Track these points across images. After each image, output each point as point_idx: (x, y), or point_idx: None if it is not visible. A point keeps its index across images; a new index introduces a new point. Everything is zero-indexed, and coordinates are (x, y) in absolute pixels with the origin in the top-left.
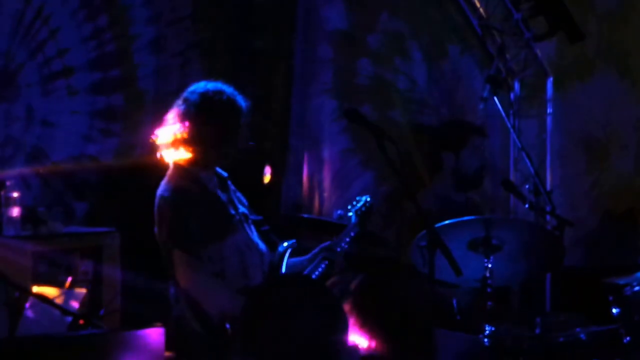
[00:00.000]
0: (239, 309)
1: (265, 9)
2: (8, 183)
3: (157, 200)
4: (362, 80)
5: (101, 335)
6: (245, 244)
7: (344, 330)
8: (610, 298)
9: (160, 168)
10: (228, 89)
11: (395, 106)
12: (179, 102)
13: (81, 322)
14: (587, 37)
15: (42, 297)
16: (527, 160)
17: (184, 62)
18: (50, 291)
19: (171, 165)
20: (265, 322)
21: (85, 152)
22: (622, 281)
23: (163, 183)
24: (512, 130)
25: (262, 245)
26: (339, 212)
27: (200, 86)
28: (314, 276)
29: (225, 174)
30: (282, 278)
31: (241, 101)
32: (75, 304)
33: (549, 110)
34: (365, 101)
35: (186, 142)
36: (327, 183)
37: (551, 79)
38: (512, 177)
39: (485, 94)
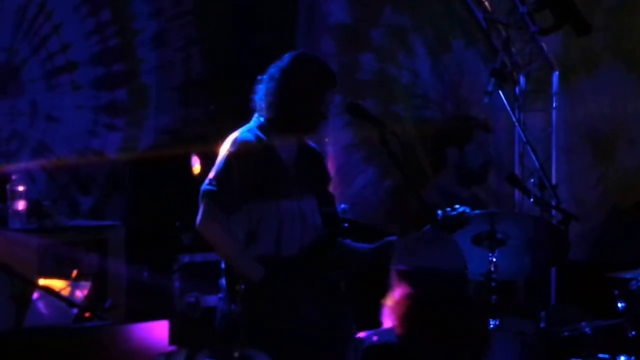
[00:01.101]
0: (251, 271)
1: (268, 3)
2: (13, 177)
3: (223, 147)
4: (365, 75)
5: (106, 327)
6: (289, 213)
7: (350, 319)
8: (616, 292)
9: (164, 162)
10: (313, 57)
11: (399, 101)
12: (273, 68)
13: (87, 314)
14: (594, 31)
15: (47, 290)
16: (532, 155)
17: (186, 57)
18: (55, 284)
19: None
20: (270, 310)
21: (90, 146)
22: (627, 275)
23: (235, 133)
24: (517, 124)
25: (314, 219)
26: (342, 206)
27: (300, 53)
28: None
29: (316, 146)
30: (289, 263)
31: (323, 68)
32: (80, 297)
33: (555, 104)
34: (369, 96)
35: (267, 104)
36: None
37: (557, 72)
38: (518, 171)
39: (490, 88)
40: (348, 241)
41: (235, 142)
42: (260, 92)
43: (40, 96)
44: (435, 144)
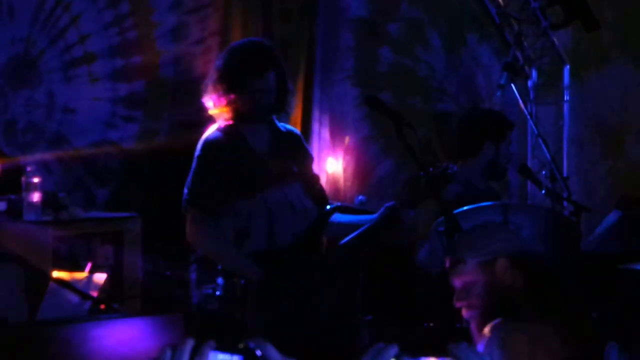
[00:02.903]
0: (248, 272)
1: None
2: (28, 168)
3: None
4: (382, 68)
5: (121, 320)
6: (277, 203)
7: (356, 307)
8: (626, 284)
9: (181, 153)
10: (253, 39)
11: (416, 93)
12: (218, 61)
13: (102, 307)
14: (603, 26)
15: (62, 282)
16: (544, 147)
17: (205, 50)
18: (70, 276)
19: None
20: (277, 299)
21: (107, 138)
22: (638, 267)
23: (203, 135)
24: (529, 117)
25: (302, 203)
26: (360, 197)
27: (233, 43)
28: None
29: (290, 128)
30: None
31: (264, 45)
32: (95, 289)
33: (566, 98)
34: (386, 88)
35: (226, 96)
36: (349, 170)
37: (568, 67)
38: (530, 163)
39: (502, 82)
40: (347, 216)
41: (202, 144)
42: (209, 88)
43: (57, 87)
44: (470, 135)
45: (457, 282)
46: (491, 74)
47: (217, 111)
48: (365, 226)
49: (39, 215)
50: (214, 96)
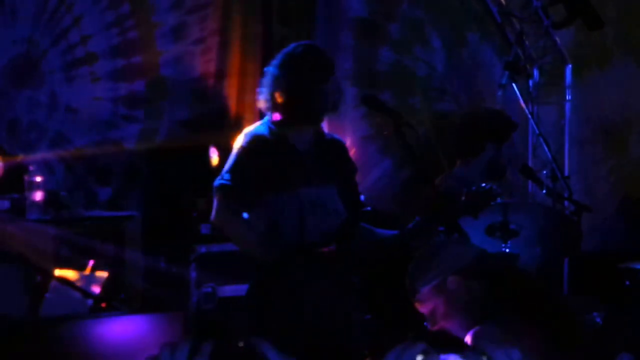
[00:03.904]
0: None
1: None
2: (31, 168)
3: (236, 143)
4: (382, 68)
5: (122, 318)
6: (310, 202)
7: (356, 304)
8: (627, 283)
9: (182, 153)
10: (309, 47)
11: (415, 93)
12: (273, 63)
13: (103, 305)
14: (606, 25)
15: (64, 280)
16: (545, 147)
17: (205, 50)
18: (72, 274)
19: (268, 115)
20: (274, 296)
21: (108, 137)
22: (639, 266)
23: (248, 128)
24: (530, 117)
25: (334, 205)
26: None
27: (299, 46)
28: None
29: (336, 137)
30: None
31: (324, 56)
32: (96, 288)
33: (568, 97)
34: (386, 88)
35: (275, 103)
36: None
37: (570, 66)
38: (531, 163)
39: (504, 81)
40: (373, 228)
41: (246, 136)
42: (264, 89)
43: (59, 87)
44: (471, 135)
45: (423, 309)
46: (492, 74)
47: (271, 109)
48: (393, 240)
49: (41, 214)
50: (272, 95)
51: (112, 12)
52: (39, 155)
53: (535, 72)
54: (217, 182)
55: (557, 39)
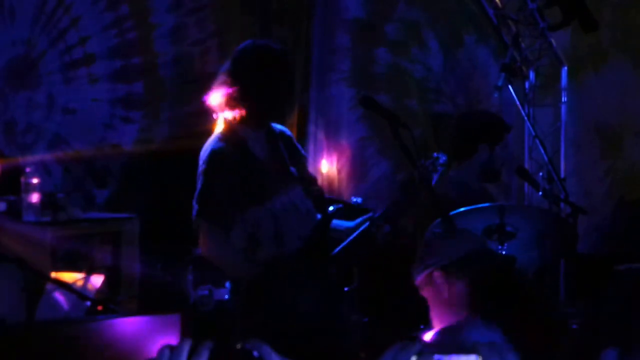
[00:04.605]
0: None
1: None
2: (28, 169)
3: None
4: (379, 69)
5: (118, 320)
6: (282, 207)
7: (343, 305)
8: (624, 284)
9: (180, 154)
10: (274, 45)
11: (412, 95)
12: (227, 63)
13: (99, 307)
14: (602, 27)
15: (60, 283)
16: (541, 149)
17: (203, 51)
18: (68, 276)
19: (221, 125)
20: (263, 298)
21: (106, 139)
22: (635, 267)
23: (205, 145)
24: (526, 118)
25: (305, 205)
26: (354, 199)
27: (247, 44)
28: (345, 243)
29: (282, 128)
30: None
31: (286, 55)
32: (93, 290)
33: (564, 99)
34: (383, 90)
35: (236, 100)
36: (344, 171)
37: (566, 68)
38: (527, 165)
39: (500, 83)
40: (342, 222)
41: (208, 156)
42: (218, 92)
43: (57, 89)
44: (464, 137)
45: (422, 294)
46: (488, 75)
47: (223, 114)
48: (348, 240)
49: (38, 216)
50: (224, 98)
51: (111, 13)
52: (36, 157)
53: (531, 74)
54: (194, 212)
55: (553, 41)
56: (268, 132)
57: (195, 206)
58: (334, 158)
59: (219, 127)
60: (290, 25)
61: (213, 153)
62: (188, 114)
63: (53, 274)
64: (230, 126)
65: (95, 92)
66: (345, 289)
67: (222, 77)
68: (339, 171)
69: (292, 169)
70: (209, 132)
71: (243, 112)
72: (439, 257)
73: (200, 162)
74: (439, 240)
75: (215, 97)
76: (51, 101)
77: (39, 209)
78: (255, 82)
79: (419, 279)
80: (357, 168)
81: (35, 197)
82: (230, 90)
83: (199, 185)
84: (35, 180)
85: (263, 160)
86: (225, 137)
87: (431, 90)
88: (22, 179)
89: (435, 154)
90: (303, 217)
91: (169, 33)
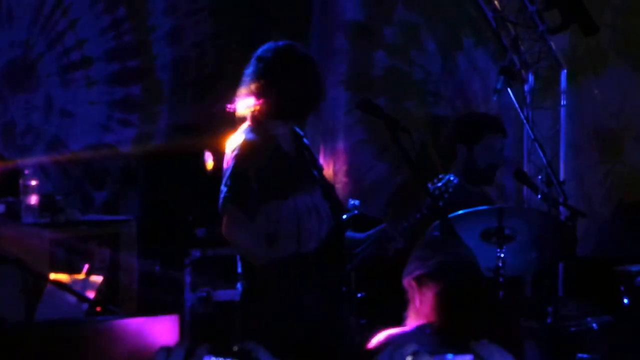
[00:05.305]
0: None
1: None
2: (26, 171)
3: (227, 154)
4: (377, 72)
5: (117, 321)
6: (305, 207)
7: (349, 308)
8: (622, 288)
9: (177, 157)
10: (298, 45)
11: (411, 98)
12: (253, 62)
13: (98, 309)
14: (601, 30)
15: (59, 284)
16: (540, 152)
17: (201, 53)
18: (67, 278)
19: (249, 118)
20: (264, 303)
21: (104, 141)
22: (634, 268)
23: (234, 136)
24: (525, 122)
25: (324, 208)
26: (353, 202)
27: (272, 45)
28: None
29: (301, 132)
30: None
31: (310, 55)
32: (92, 291)
33: (563, 102)
34: (381, 93)
35: (264, 95)
36: (341, 174)
37: (565, 71)
38: (526, 168)
39: (499, 86)
40: (352, 233)
41: (241, 144)
42: (245, 90)
43: (55, 91)
44: (445, 140)
45: None
46: (487, 78)
47: (249, 111)
48: (358, 250)
49: (37, 217)
50: (250, 96)
51: (108, 15)
52: (34, 159)
53: (531, 77)
54: (223, 196)
55: (552, 44)
56: (294, 132)
57: (224, 189)
58: (331, 161)
59: (244, 124)
60: (288, 27)
61: (246, 142)
62: (186, 116)
63: (52, 276)
64: (258, 122)
65: (93, 95)
66: (343, 289)
67: (251, 75)
68: (335, 174)
69: (315, 172)
70: (208, 134)
71: (270, 106)
72: (413, 267)
73: (229, 150)
74: (420, 249)
75: (242, 95)
76: (49, 103)
77: (38, 211)
78: (282, 76)
79: (405, 282)
80: (354, 171)
81: (33, 199)
82: (258, 84)
83: (229, 170)
84: (33, 182)
85: (292, 157)
86: (255, 130)
87: (430, 93)
88: (21, 181)
89: (447, 177)
90: (322, 220)
91: (167, 36)
